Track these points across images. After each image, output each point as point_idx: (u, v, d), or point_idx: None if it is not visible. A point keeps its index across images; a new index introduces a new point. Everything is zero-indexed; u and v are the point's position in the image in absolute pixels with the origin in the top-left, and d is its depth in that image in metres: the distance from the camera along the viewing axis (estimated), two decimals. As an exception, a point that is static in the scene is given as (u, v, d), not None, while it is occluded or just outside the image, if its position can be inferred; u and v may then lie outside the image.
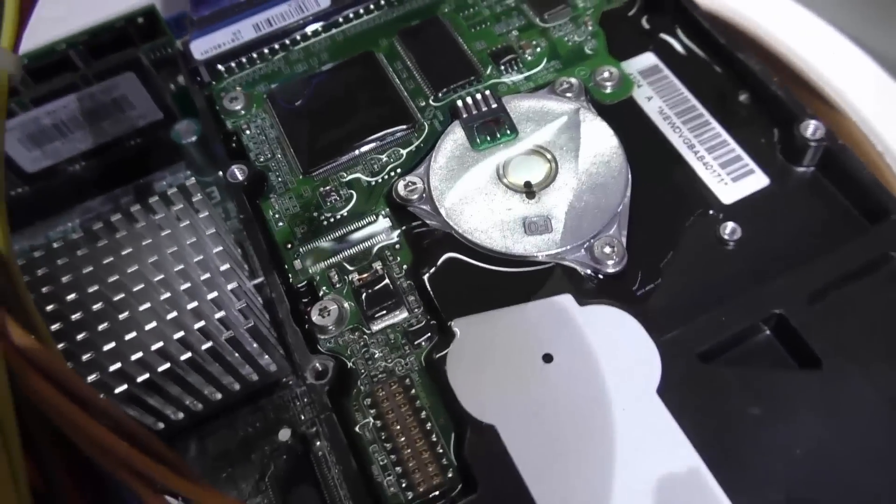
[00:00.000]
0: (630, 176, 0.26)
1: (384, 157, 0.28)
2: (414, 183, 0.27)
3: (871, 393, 0.21)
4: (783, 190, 0.26)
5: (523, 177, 0.26)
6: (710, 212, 0.26)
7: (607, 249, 0.24)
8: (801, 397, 0.21)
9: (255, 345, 0.27)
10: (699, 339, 0.23)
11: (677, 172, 0.27)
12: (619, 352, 0.22)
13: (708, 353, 0.23)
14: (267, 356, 0.28)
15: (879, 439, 0.21)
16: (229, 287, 0.26)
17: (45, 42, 0.32)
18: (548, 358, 0.23)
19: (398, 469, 0.22)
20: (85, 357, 0.26)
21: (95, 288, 0.27)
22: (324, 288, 0.25)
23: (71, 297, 0.27)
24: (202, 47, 0.32)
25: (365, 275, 0.25)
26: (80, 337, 0.26)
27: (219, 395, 0.29)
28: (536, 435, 0.21)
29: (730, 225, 0.25)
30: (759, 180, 0.26)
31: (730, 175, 0.26)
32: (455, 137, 0.28)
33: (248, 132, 0.30)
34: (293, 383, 0.30)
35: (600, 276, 0.24)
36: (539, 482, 0.20)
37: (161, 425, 0.28)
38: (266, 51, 0.32)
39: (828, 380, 0.22)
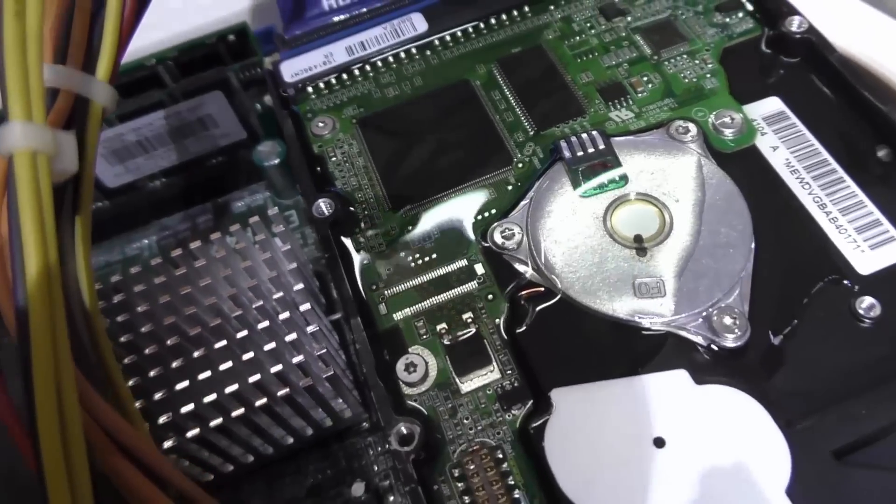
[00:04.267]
0: (754, 239, 0.23)
1: (478, 196, 0.26)
2: (511, 230, 0.25)
3: None
4: (931, 262, 0.23)
5: (633, 230, 0.24)
6: (845, 282, 0.23)
7: (727, 321, 0.22)
8: (957, 514, 0.19)
9: (331, 390, 0.26)
10: (835, 432, 0.20)
11: (806, 235, 0.24)
12: (741, 441, 0.20)
13: (843, 450, 0.20)
14: (341, 400, 0.27)
15: None
16: (310, 330, 0.25)
17: (135, 57, 0.32)
18: (659, 442, 0.20)
19: (485, 554, 0.20)
20: (157, 395, 0.24)
21: (171, 320, 0.26)
22: (409, 338, 0.24)
23: (146, 328, 0.26)
24: (293, 69, 0.30)
25: (455, 327, 0.24)
26: (153, 373, 0.25)
27: (290, 440, 0.27)
28: (646, 532, 0.19)
29: (867, 299, 0.22)
30: (901, 250, 0.23)
31: (867, 242, 0.24)
32: (557, 180, 0.26)
33: (333, 158, 0.28)
34: (366, 429, 0.28)
35: (717, 350, 0.22)
36: (648, 589, 0.18)
37: (230, 467, 0.27)
38: (356, 72, 0.30)
39: None
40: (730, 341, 0.22)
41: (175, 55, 0.31)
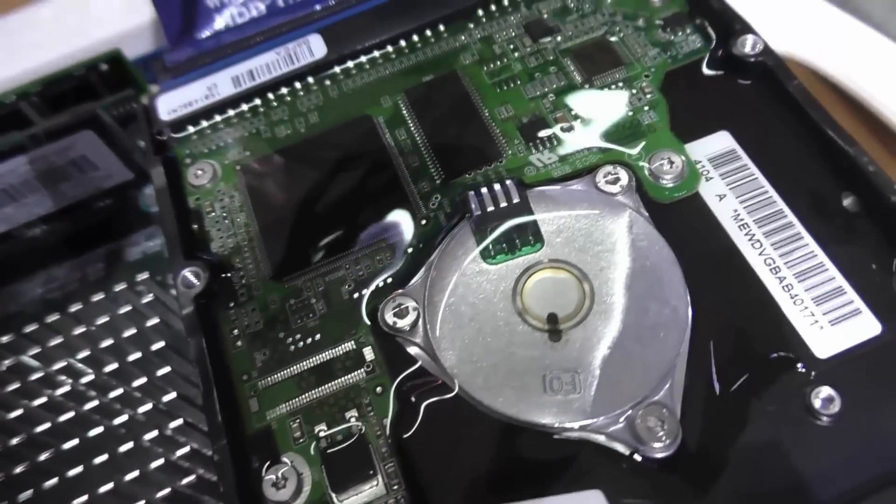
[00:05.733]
0: (691, 316, 0.20)
1: (373, 262, 0.22)
2: (405, 306, 0.21)
3: None
4: (903, 343, 0.19)
5: (548, 306, 0.20)
6: (799, 367, 0.19)
7: (653, 423, 0.18)
8: None
9: None
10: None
11: (755, 309, 0.20)
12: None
13: None
14: None
15: None
16: (172, 425, 0.21)
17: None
18: (564, 590, 0.16)
19: None
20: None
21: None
22: (282, 443, 0.20)
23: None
24: (170, 104, 0.26)
25: (334, 429, 0.20)
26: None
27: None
28: None
29: (824, 390, 0.19)
30: (868, 326, 0.19)
31: (827, 316, 0.20)
32: (463, 243, 0.22)
33: (212, 214, 0.24)
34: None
35: (642, 460, 0.18)
36: None
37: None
38: (244, 106, 0.26)
39: None
40: (656, 451, 0.18)
41: (40, 89, 0.27)
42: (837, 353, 0.19)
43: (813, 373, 0.19)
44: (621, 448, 0.18)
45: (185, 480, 0.21)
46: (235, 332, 0.22)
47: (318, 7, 0.28)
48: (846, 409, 0.18)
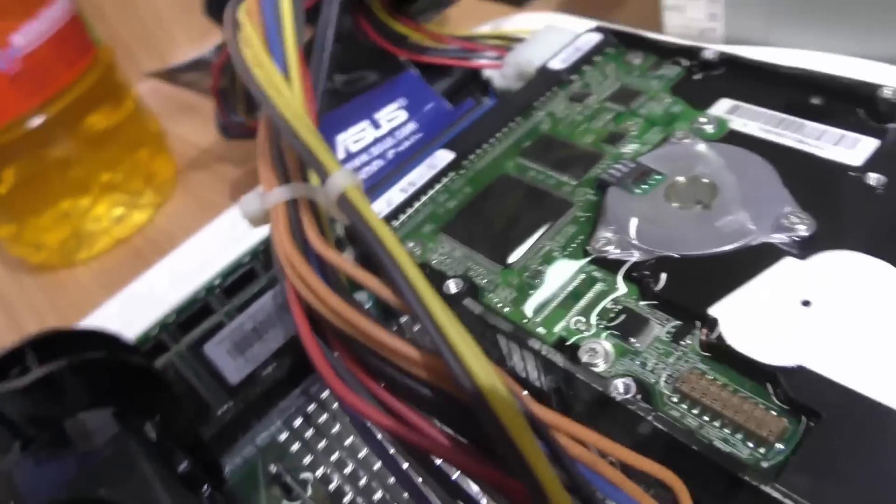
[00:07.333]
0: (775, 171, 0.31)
1: (562, 233, 0.33)
2: (606, 237, 0.31)
3: None
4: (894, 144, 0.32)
5: (692, 199, 0.31)
6: (850, 173, 0.31)
7: (794, 219, 0.29)
8: None
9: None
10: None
11: (803, 162, 0.32)
12: (853, 273, 0.26)
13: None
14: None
15: None
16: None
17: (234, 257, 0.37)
18: (806, 303, 0.26)
19: (739, 435, 0.24)
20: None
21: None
22: (577, 339, 0.28)
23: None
24: (366, 218, 0.37)
25: (607, 314, 0.29)
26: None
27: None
28: (841, 356, 0.24)
29: (872, 175, 0.30)
30: (870, 143, 0.32)
31: (845, 148, 0.32)
32: (619, 196, 0.33)
33: (435, 262, 0.34)
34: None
35: (800, 240, 0.28)
36: (870, 387, 0.23)
37: None
38: (415, 203, 0.37)
39: None
40: (805, 231, 0.28)
41: (264, 248, 0.37)
42: (866, 159, 0.31)
43: (859, 173, 0.31)
44: (784, 238, 0.28)
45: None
46: (499, 305, 0.31)
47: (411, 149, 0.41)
48: (890, 182, 0.30)
